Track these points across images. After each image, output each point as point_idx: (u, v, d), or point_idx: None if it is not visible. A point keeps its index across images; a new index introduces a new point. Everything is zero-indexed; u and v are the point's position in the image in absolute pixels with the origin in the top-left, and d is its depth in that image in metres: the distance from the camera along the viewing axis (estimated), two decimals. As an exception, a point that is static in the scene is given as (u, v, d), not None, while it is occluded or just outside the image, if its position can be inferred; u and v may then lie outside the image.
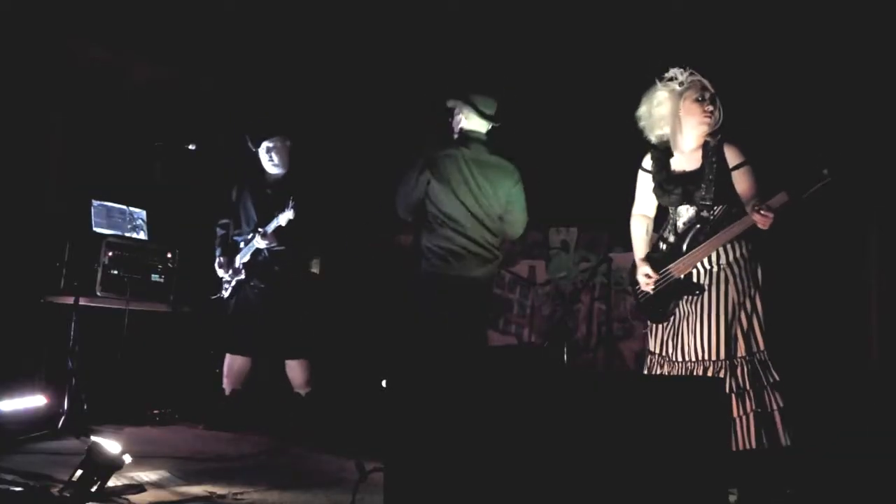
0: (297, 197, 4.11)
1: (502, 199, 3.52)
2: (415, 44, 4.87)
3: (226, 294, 4.42)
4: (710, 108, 2.88)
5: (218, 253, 4.46)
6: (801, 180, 2.63)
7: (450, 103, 3.59)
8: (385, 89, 5.21)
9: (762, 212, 2.66)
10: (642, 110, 3.02)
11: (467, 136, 3.52)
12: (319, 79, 5.33)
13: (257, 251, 4.28)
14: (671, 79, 2.95)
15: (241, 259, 4.35)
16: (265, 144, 4.37)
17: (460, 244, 3.42)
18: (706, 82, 2.90)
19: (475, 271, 3.46)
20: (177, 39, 4.91)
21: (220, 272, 4.43)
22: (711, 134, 2.94)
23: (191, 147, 4.58)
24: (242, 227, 4.41)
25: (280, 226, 4.13)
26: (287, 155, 4.41)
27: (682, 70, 2.93)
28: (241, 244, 4.38)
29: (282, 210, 4.08)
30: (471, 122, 3.54)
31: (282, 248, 4.26)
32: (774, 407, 2.76)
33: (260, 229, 4.20)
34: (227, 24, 4.89)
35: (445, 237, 3.42)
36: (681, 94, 2.92)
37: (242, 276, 4.33)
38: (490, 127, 3.57)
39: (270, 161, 4.37)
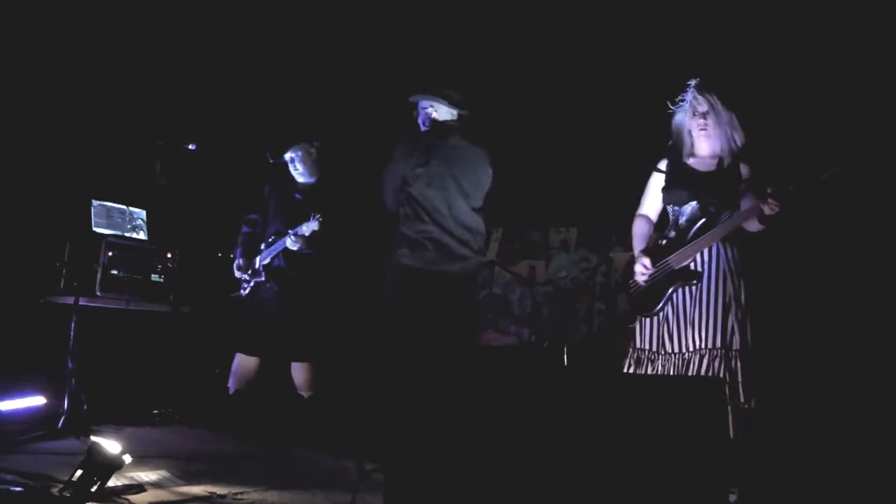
0: (324, 209, 4.03)
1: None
2: (420, 43, 4.86)
3: (244, 293, 4.36)
4: (703, 121, 3.10)
5: (239, 253, 4.39)
6: (810, 168, 2.73)
7: (414, 99, 3.56)
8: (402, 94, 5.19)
9: (770, 200, 2.73)
10: (672, 129, 3.22)
11: (441, 126, 3.49)
12: (322, 79, 5.32)
13: (276, 254, 4.21)
14: (682, 99, 3.18)
15: (262, 261, 4.28)
16: (288, 154, 4.27)
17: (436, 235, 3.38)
18: (700, 99, 3.10)
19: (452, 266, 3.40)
20: (177, 39, 4.91)
21: (238, 273, 4.36)
22: (733, 151, 3.05)
23: (191, 147, 4.56)
24: (267, 230, 4.33)
25: (304, 235, 4.07)
26: (312, 162, 4.31)
27: (688, 91, 3.16)
28: (263, 246, 4.31)
29: (307, 219, 4.01)
30: (440, 113, 3.52)
31: (309, 251, 4.15)
32: (753, 406, 2.80)
33: (290, 231, 4.10)
34: (228, 24, 4.88)
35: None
36: (686, 111, 3.16)
37: (262, 278, 4.26)
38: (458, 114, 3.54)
39: (295, 171, 4.28)
